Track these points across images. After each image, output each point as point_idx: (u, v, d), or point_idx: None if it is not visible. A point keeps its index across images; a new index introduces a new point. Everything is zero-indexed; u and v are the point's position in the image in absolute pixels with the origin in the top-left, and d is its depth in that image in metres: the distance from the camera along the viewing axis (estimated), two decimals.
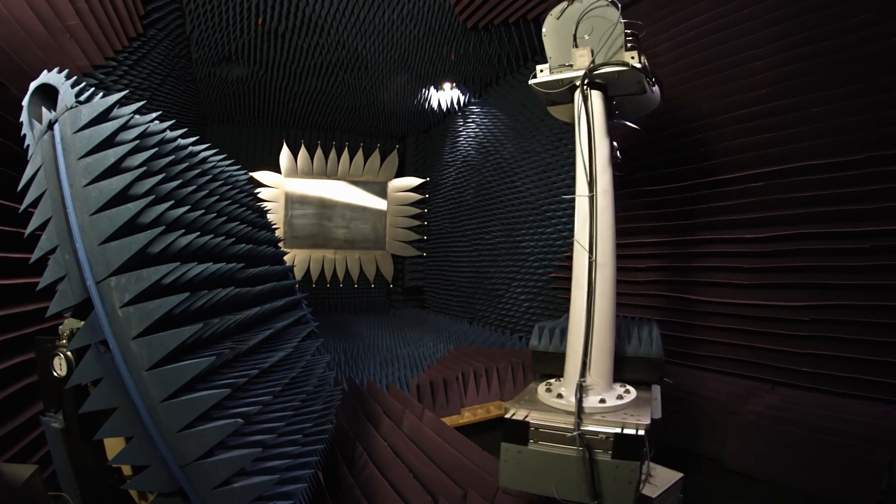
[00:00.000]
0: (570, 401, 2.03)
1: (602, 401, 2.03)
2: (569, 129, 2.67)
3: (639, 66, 2.24)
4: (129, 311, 1.32)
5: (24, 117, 1.64)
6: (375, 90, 7.40)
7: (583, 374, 2.07)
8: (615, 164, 2.42)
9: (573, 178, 5.76)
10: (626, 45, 2.31)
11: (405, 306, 9.59)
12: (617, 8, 2.37)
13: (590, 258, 2.18)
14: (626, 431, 1.79)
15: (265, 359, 1.88)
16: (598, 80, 2.34)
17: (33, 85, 1.64)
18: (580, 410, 1.90)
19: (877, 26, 2.92)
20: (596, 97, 2.34)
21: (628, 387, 2.23)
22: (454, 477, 2.45)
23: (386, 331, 6.77)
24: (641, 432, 1.77)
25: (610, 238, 2.24)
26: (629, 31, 2.32)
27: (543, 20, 2.58)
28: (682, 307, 3.89)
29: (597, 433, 1.82)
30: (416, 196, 9.41)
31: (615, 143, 2.42)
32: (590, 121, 2.29)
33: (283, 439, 1.64)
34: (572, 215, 5.70)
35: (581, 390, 1.99)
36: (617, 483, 1.78)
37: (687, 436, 3.28)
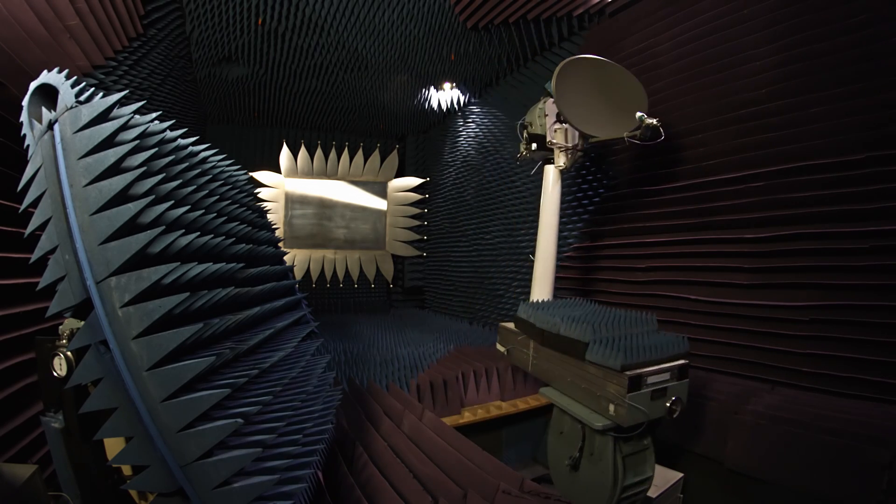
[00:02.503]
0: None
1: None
2: None
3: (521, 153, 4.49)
4: (129, 311, 1.31)
5: (24, 117, 1.64)
6: (375, 90, 7.38)
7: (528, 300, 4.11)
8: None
9: (573, 178, 5.73)
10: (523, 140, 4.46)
11: (405, 306, 9.59)
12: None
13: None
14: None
15: (265, 359, 1.88)
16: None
17: (33, 85, 1.63)
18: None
19: (877, 26, 2.92)
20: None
21: None
22: (454, 477, 2.45)
23: (386, 331, 6.76)
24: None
25: (550, 244, 4.36)
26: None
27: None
28: (682, 307, 3.89)
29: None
30: (416, 196, 9.41)
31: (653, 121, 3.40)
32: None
33: (283, 439, 1.64)
34: (572, 215, 5.66)
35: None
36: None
37: (687, 436, 3.29)
